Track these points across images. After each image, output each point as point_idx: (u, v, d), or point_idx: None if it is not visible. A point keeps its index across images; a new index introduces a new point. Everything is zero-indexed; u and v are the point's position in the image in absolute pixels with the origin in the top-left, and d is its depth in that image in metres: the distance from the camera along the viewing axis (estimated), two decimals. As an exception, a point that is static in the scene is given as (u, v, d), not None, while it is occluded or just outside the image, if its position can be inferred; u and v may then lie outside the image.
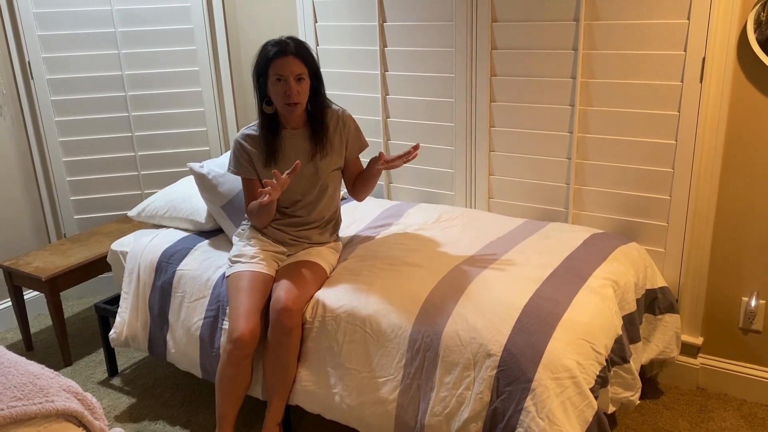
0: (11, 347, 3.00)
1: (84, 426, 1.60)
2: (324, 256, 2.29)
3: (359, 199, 2.43)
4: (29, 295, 3.21)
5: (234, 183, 2.49)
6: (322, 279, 2.22)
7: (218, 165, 2.56)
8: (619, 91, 2.39)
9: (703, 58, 2.20)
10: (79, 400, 1.63)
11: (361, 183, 2.37)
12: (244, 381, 2.14)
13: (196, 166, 2.56)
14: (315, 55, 2.26)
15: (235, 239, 2.38)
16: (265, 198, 2.05)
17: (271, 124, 2.24)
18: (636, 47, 2.32)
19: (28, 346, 3.01)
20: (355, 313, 2.05)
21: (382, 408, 1.97)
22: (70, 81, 3.18)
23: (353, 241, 2.47)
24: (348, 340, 2.05)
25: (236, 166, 2.29)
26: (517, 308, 1.92)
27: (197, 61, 3.27)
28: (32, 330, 3.13)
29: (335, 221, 2.41)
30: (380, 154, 2.20)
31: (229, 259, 2.28)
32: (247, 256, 2.24)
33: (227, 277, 2.23)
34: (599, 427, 1.79)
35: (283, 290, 2.10)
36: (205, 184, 2.53)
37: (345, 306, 2.08)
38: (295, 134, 2.27)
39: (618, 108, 2.41)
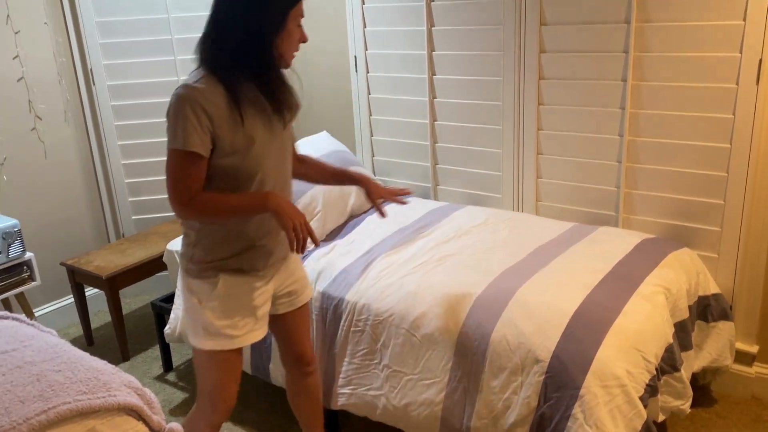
0: (73, 342, 3.13)
1: (143, 420, 1.67)
2: (305, 280, 1.96)
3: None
4: (90, 292, 3.33)
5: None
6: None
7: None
8: (672, 93, 2.34)
9: (760, 60, 2.14)
10: (138, 395, 1.69)
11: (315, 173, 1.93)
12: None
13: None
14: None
15: (191, 282, 1.73)
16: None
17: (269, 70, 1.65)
18: (689, 49, 2.27)
19: (89, 341, 3.14)
20: (402, 316, 2.07)
21: (428, 410, 1.99)
22: (129, 87, 3.30)
23: (398, 242, 2.47)
24: (395, 343, 2.07)
25: (188, 137, 1.54)
26: (567, 314, 1.91)
27: (249, 66, 3.34)
28: (92, 326, 3.26)
29: None
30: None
31: (191, 322, 1.76)
32: (222, 326, 1.72)
33: (195, 348, 1.77)
34: (649, 436, 1.77)
35: (302, 345, 1.99)
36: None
37: (392, 309, 2.10)
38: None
39: (670, 111, 2.36)
